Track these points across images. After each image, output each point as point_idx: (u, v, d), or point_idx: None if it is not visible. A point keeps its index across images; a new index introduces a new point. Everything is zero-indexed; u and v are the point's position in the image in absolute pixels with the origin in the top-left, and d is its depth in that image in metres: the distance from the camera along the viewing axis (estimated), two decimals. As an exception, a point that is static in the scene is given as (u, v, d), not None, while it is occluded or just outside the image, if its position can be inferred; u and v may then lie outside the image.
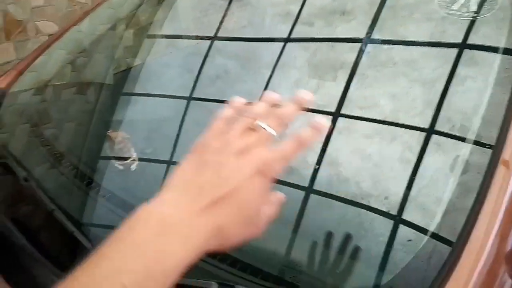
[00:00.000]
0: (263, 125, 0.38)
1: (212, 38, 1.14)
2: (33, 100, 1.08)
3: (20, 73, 1.11)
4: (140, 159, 0.85)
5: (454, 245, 0.56)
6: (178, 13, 1.32)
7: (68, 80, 1.16)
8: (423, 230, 0.69)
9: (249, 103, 0.41)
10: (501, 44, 0.80)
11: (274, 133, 0.37)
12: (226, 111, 0.40)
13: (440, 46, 0.87)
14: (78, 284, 0.29)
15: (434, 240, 0.67)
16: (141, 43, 1.25)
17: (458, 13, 0.83)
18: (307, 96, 0.41)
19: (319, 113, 0.92)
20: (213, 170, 0.35)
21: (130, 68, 1.20)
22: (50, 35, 2.32)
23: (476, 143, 0.73)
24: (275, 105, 0.40)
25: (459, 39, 0.84)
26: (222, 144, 0.37)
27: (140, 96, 1.11)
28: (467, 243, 0.54)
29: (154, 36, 1.27)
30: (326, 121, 0.39)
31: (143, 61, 1.20)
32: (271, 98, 0.41)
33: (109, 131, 0.88)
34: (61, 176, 0.84)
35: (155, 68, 1.20)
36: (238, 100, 0.42)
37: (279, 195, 0.39)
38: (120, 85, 1.13)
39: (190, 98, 1.05)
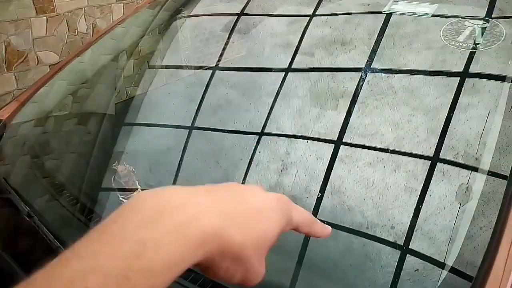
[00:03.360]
0: None
1: (213, 68, 1.15)
2: (34, 131, 1.08)
3: (22, 104, 1.11)
4: (143, 190, 0.84)
5: (474, 279, 0.54)
6: (179, 44, 1.34)
7: (70, 111, 1.17)
8: (430, 260, 0.68)
9: None
10: (504, 72, 0.81)
11: None
12: None
13: (441, 75, 0.88)
14: (38, 286, 0.23)
15: (442, 270, 0.66)
16: (143, 73, 1.26)
17: (464, 44, 0.84)
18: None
19: (321, 141, 0.92)
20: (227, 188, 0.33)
21: (132, 98, 1.20)
22: (51, 65, 2.35)
23: (481, 170, 0.73)
24: None
25: (459, 68, 0.85)
26: None
27: (141, 126, 1.12)
28: (489, 276, 0.53)
29: (155, 66, 1.28)
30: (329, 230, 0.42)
31: (144, 91, 1.21)
32: None
33: (114, 163, 0.88)
34: (62, 209, 0.83)
35: (156, 97, 1.20)
36: None
37: None
38: (121, 115, 1.13)
39: (192, 128, 1.05)
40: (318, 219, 0.77)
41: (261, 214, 0.32)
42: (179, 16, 1.36)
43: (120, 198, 0.79)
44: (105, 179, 0.95)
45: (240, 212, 0.30)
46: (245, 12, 1.25)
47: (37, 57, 2.33)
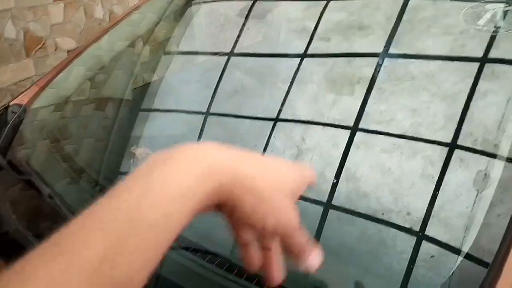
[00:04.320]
0: None
1: (229, 54, 1.15)
2: (53, 116, 1.10)
3: (41, 89, 1.13)
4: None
5: (490, 266, 0.54)
6: (194, 30, 1.34)
7: (88, 96, 1.18)
8: (446, 246, 0.68)
9: None
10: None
11: None
12: None
13: (460, 60, 0.86)
14: (66, 235, 0.24)
15: (459, 257, 0.66)
16: (159, 59, 1.27)
17: (485, 28, 0.83)
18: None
19: (337, 127, 0.91)
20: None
21: (149, 83, 1.21)
22: (69, 51, 2.37)
23: (499, 157, 0.72)
24: None
25: (478, 53, 0.83)
26: None
27: (158, 111, 1.12)
28: (505, 263, 0.52)
29: (171, 53, 1.29)
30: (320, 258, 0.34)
31: (161, 77, 1.22)
32: None
33: (132, 147, 0.89)
34: (82, 191, 0.85)
35: (173, 83, 1.21)
36: None
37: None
38: (138, 101, 1.14)
39: (207, 113, 1.05)
40: (334, 204, 0.78)
41: (275, 164, 0.32)
42: (195, 2, 1.35)
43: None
44: (123, 162, 0.96)
45: (254, 159, 0.31)
46: (261, -3, 1.24)
47: (55, 43, 2.35)
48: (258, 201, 0.29)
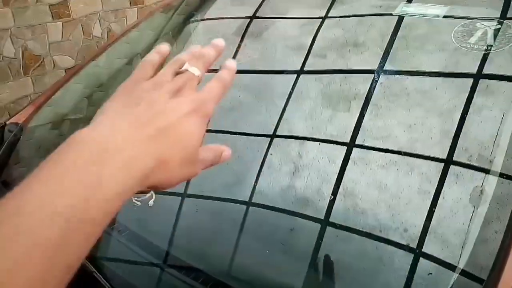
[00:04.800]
0: (187, 67, 0.38)
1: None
2: (50, 134, 1.10)
3: (38, 107, 1.13)
4: (156, 192, 0.85)
5: (485, 282, 0.54)
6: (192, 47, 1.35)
7: (85, 114, 1.18)
8: (443, 263, 0.68)
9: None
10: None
11: (198, 73, 0.38)
12: (153, 56, 0.40)
13: (454, 76, 0.87)
14: (6, 210, 0.26)
15: (455, 273, 0.65)
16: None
17: (476, 46, 0.83)
18: (221, 43, 0.42)
19: (334, 143, 0.92)
20: (148, 106, 0.34)
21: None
22: (67, 69, 2.39)
23: (495, 173, 0.72)
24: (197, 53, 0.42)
25: (473, 70, 0.84)
26: (153, 85, 0.36)
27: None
28: (500, 279, 0.52)
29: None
30: (234, 62, 0.41)
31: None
32: (193, 49, 0.42)
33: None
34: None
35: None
36: (163, 47, 0.41)
37: (222, 147, 0.41)
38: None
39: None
40: (331, 221, 0.78)
41: (183, 131, 0.35)
42: (193, 20, 1.37)
43: (133, 200, 0.79)
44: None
45: (167, 138, 0.34)
46: (257, 15, 1.25)
47: (53, 61, 2.37)
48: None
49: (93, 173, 0.29)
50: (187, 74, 0.38)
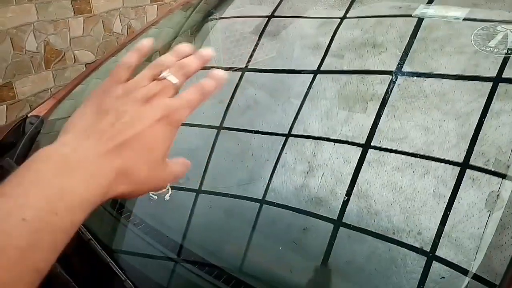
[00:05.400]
0: (166, 74, 0.38)
1: (243, 69, 1.17)
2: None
3: (59, 101, 1.15)
4: (172, 187, 0.87)
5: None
6: (210, 45, 1.36)
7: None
8: (457, 268, 0.67)
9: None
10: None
11: (175, 81, 0.38)
12: (129, 58, 0.39)
13: (473, 80, 0.86)
14: None
15: (467, 278, 0.65)
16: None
17: (496, 50, 0.82)
18: (208, 53, 0.41)
19: (349, 144, 0.91)
20: (115, 116, 0.35)
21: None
22: (87, 63, 2.42)
23: (511, 178, 0.71)
24: (184, 57, 0.41)
25: (492, 73, 0.83)
26: (124, 91, 0.36)
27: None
28: None
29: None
30: (223, 72, 0.40)
31: (176, 91, 1.23)
32: (181, 51, 0.41)
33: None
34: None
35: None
36: (144, 46, 0.41)
37: (185, 160, 0.41)
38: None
39: (220, 128, 1.06)
40: (344, 222, 0.78)
41: (148, 141, 0.36)
42: (211, 18, 1.38)
43: (150, 195, 0.81)
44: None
45: (131, 150, 0.35)
46: (275, 14, 1.25)
47: (74, 56, 2.41)
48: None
49: (56, 186, 0.30)
50: (164, 82, 0.38)
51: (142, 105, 0.36)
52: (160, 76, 0.38)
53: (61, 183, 0.31)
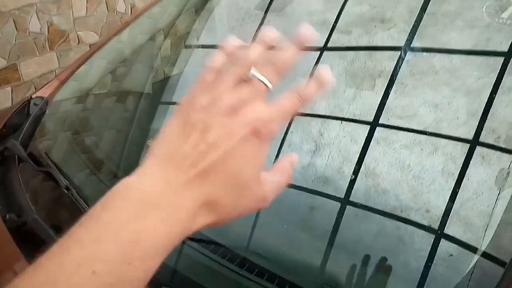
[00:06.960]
0: (258, 75, 0.32)
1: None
2: (74, 108, 1.11)
3: (63, 82, 1.15)
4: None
5: (508, 265, 0.53)
6: (215, 23, 1.34)
7: (109, 89, 1.19)
8: (465, 245, 0.67)
9: (244, 46, 0.34)
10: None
11: (270, 85, 0.32)
12: (216, 59, 0.33)
13: (485, 55, 0.84)
14: (45, 273, 0.26)
15: (476, 255, 0.64)
16: (179, 52, 1.27)
17: (509, 22, 0.80)
18: (308, 32, 0.34)
19: (357, 122, 0.90)
20: (200, 134, 0.30)
21: (169, 77, 1.22)
22: (91, 44, 2.41)
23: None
24: (272, 48, 0.34)
25: (504, 47, 0.81)
26: (210, 100, 0.31)
27: (177, 105, 1.13)
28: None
29: (192, 46, 1.29)
30: (331, 73, 0.33)
31: (181, 71, 1.22)
32: (269, 38, 0.34)
33: (149, 140, 0.89)
34: (99, 184, 0.86)
35: (192, 77, 1.21)
36: (232, 43, 0.34)
37: (290, 157, 0.36)
38: (158, 94, 1.15)
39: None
40: (351, 200, 0.77)
41: (235, 163, 0.31)
42: (215, -5, 1.35)
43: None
44: (141, 156, 0.97)
45: (215, 175, 0.31)
46: (281, -11, 1.23)
47: (78, 37, 2.39)
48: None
49: (131, 232, 0.28)
50: (255, 85, 0.32)
51: (229, 117, 0.31)
52: (250, 76, 0.32)
53: (137, 227, 0.28)
